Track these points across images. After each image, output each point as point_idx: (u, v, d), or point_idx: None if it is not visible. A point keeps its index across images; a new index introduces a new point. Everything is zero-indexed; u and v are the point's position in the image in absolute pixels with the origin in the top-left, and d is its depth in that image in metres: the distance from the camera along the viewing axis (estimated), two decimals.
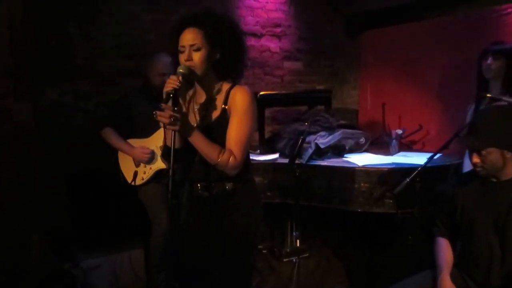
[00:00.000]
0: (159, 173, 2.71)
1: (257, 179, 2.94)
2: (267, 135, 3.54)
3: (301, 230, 3.40)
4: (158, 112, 1.56)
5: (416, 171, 2.38)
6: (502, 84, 2.46)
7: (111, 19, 3.34)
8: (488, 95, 2.40)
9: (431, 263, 2.03)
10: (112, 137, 2.71)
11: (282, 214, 3.39)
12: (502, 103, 2.30)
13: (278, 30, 4.30)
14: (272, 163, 3.03)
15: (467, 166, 2.62)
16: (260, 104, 3.47)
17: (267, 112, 4.01)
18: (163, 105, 1.57)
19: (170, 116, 1.55)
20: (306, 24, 4.43)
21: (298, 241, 3.39)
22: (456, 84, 3.48)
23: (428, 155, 2.44)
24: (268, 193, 2.98)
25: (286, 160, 2.92)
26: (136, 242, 3.02)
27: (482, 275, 1.86)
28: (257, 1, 4.15)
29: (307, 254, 3.41)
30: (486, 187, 1.86)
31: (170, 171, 1.57)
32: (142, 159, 2.70)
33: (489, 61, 2.47)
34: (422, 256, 2.18)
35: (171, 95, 1.59)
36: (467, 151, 2.61)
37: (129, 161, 2.75)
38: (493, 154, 1.74)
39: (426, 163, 2.39)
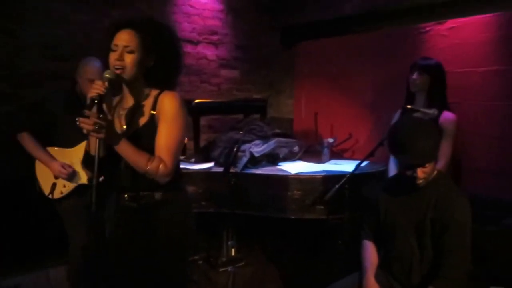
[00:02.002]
0: (79, 186, 2.54)
1: (192, 188, 2.91)
2: (202, 144, 3.51)
3: (237, 239, 3.40)
4: (81, 119, 1.49)
5: (345, 178, 2.48)
6: (426, 97, 2.64)
7: (36, 17, 3.15)
8: (408, 106, 2.56)
9: (360, 266, 2.12)
10: (29, 143, 2.49)
11: (218, 223, 3.36)
12: (421, 114, 2.46)
13: (215, 37, 4.30)
14: (206, 171, 3.00)
15: (391, 171, 2.78)
16: (195, 112, 3.45)
17: (203, 120, 3.98)
18: (86, 111, 1.50)
19: (95, 123, 1.49)
20: (243, 33, 4.48)
21: (233, 250, 3.38)
22: (383, 95, 3.68)
23: (357, 162, 2.54)
24: (203, 203, 2.94)
25: (221, 169, 2.91)
26: (58, 258, 2.82)
27: (404, 274, 1.97)
28: (193, 8, 4.13)
29: (243, 263, 3.41)
30: (408, 191, 1.98)
31: (94, 180, 1.50)
32: (59, 176, 2.50)
33: (415, 76, 2.64)
34: (352, 259, 2.26)
35: (96, 101, 1.52)
36: (391, 157, 2.77)
37: (47, 171, 2.53)
38: (432, 165, 1.89)
39: (354, 170, 2.49)
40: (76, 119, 1.49)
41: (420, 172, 1.87)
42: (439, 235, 1.87)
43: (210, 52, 4.29)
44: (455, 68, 3.10)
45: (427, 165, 1.86)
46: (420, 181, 1.90)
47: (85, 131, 1.51)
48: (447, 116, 2.57)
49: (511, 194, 2.85)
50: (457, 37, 3.16)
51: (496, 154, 2.98)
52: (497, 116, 2.97)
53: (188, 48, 4.08)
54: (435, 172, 1.97)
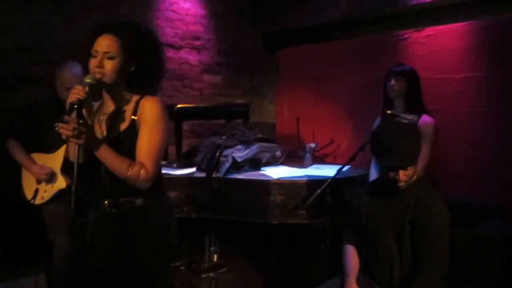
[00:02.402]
0: (61, 192, 2.53)
1: (174, 194, 2.89)
2: (185, 149, 3.50)
3: (219, 244, 3.38)
4: (60, 124, 1.47)
5: (326, 183, 2.49)
6: (404, 102, 2.69)
7: (13, 19, 3.09)
8: (389, 111, 2.60)
9: (342, 270, 2.13)
10: (15, 150, 2.54)
11: (200, 229, 3.35)
12: (402, 119, 2.50)
13: (197, 43, 4.30)
14: (188, 177, 2.99)
15: (372, 176, 2.82)
16: (177, 117, 3.43)
17: (186, 125, 3.97)
18: (66, 117, 1.48)
19: (74, 129, 1.47)
20: (226, 39, 4.49)
21: (216, 255, 3.36)
22: (363, 101, 3.73)
23: (339, 167, 2.56)
24: (185, 208, 2.92)
25: (203, 174, 2.90)
26: (39, 265, 2.77)
27: (385, 277, 1.98)
28: (176, 13, 4.13)
29: (225, 269, 3.40)
30: (388, 195, 2.00)
31: (73, 187, 1.48)
32: (39, 178, 2.53)
33: (392, 82, 2.69)
34: (335, 264, 2.28)
35: (76, 106, 1.50)
36: (373, 161, 2.81)
37: (31, 177, 2.56)
38: (413, 168, 1.92)
39: (336, 175, 2.51)
40: (55, 124, 1.47)
41: (402, 175, 1.89)
42: (418, 238, 1.90)
43: (192, 57, 4.28)
44: (433, 74, 3.18)
45: (409, 168, 1.89)
46: (402, 183, 1.92)
47: (64, 137, 1.50)
48: (425, 119, 2.62)
49: (487, 198, 2.92)
50: (434, 44, 3.24)
51: (474, 159, 3.05)
52: (475, 122, 3.05)
53: (170, 53, 4.07)
54: (415, 176, 2.00)
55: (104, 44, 1.60)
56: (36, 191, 2.53)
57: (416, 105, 2.65)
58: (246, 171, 3.08)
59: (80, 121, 1.50)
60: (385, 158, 1.92)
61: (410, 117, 2.49)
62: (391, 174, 1.91)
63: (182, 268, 3.41)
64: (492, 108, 2.97)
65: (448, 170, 3.09)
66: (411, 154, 1.90)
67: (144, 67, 1.67)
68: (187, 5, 4.19)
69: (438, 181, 2.92)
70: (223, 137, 3.10)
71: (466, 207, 2.79)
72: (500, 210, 2.79)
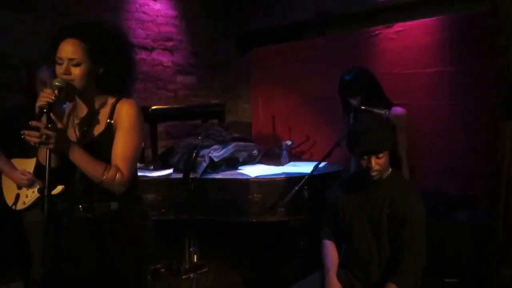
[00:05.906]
0: (42, 198, 2.49)
1: (151, 196, 2.86)
2: (160, 150, 3.46)
3: (199, 245, 3.37)
4: (26, 132, 1.41)
5: (304, 180, 2.52)
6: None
7: None
8: (363, 107, 2.62)
9: (321, 265, 2.15)
10: None
11: (179, 230, 3.32)
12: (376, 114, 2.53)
13: (170, 44, 4.27)
14: (166, 178, 2.96)
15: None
16: (152, 119, 3.40)
17: (161, 127, 3.93)
18: (32, 122, 1.43)
19: (41, 135, 1.42)
20: (198, 39, 4.48)
21: (195, 256, 3.34)
22: (337, 97, 3.77)
23: (315, 163, 2.59)
24: (163, 210, 2.90)
25: (180, 175, 2.88)
26: (15, 273, 2.71)
27: (363, 271, 2.02)
28: (147, 14, 4.09)
29: (206, 269, 3.37)
30: (363, 189, 2.04)
31: (46, 191, 1.44)
32: (21, 184, 2.50)
33: (351, 101, 2.65)
34: (314, 259, 2.30)
35: (45, 110, 1.46)
36: (352, 161, 2.83)
37: (11, 182, 2.53)
38: (386, 157, 1.94)
39: (312, 171, 2.54)
40: (21, 131, 1.42)
41: (374, 162, 1.91)
42: (395, 232, 1.92)
43: (165, 59, 4.25)
44: (404, 69, 3.25)
45: (380, 155, 1.91)
46: (374, 173, 1.93)
47: (32, 144, 1.45)
48: (398, 110, 2.62)
49: (457, 189, 3.00)
50: (404, 39, 3.31)
51: (445, 152, 3.14)
52: (444, 115, 3.13)
53: (143, 54, 4.03)
54: (390, 170, 2.02)
55: (68, 50, 1.55)
56: (17, 196, 2.51)
57: (382, 101, 2.66)
58: (223, 171, 3.07)
59: (49, 126, 1.45)
60: (358, 147, 1.95)
61: (383, 111, 2.51)
62: (364, 163, 1.94)
63: (162, 270, 3.38)
64: (461, 101, 3.05)
65: (420, 162, 3.16)
66: (381, 140, 1.93)
67: (113, 68, 1.63)
68: (157, 6, 4.16)
69: (413, 171, 2.99)
70: (199, 137, 3.08)
71: (436, 197, 2.86)
72: (470, 201, 2.86)
